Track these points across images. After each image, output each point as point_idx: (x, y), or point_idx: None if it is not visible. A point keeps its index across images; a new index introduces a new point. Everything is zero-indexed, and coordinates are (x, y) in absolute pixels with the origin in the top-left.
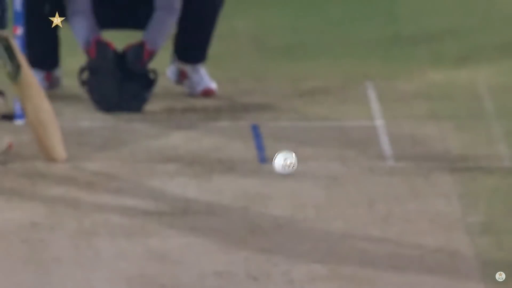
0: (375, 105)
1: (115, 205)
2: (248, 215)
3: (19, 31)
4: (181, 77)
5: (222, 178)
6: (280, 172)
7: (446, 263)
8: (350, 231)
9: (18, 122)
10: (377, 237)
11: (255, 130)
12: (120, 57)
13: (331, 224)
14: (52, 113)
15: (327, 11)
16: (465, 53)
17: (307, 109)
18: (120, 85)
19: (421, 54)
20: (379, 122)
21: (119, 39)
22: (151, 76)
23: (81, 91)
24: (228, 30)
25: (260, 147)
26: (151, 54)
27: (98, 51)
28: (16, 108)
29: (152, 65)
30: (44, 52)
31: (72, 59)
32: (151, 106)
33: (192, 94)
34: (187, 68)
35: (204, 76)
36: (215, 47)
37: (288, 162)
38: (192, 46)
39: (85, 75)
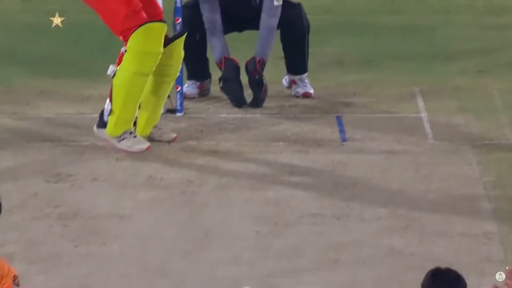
0: (420, 103)
1: (243, 169)
2: (333, 176)
3: (179, 21)
4: (291, 84)
5: (316, 152)
6: None
7: (469, 208)
8: (403, 187)
9: (178, 115)
10: (422, 190)
11: (339, 120)
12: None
13: (390, 183)
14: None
15: (389, 43)
16: (483, 67)
17: (374, 106)
18: (242, 89)
19: (452, 68)
20: (423, 115)
21: (242, 56)
22: (264, 81)
23: (221, 93)
24: (319, 52)
25: (342, 131)
26: (262, 63)
27: (226, 66)
28: (177, 104)
29: (272, 77)
30: (197, 68)
31: (218, 72)
32: (269, 103)
33: (296, 96)
34: (296, 78)
35: (306, 84)
36: (313, 64)
37: None
38: (295, 64)
39: (221, 82)
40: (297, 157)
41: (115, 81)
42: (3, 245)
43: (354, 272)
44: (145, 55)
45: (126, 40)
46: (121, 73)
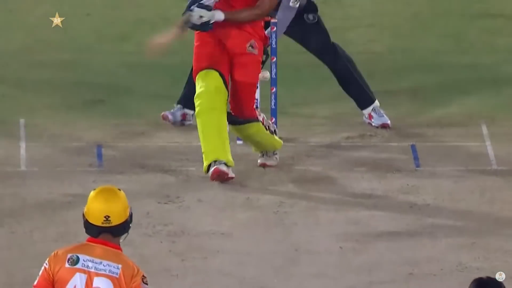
0: (485, 133)
1: (328, 192)
2: (408, 198)
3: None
4: (369, 117)
5: (393, 176)
6: None
7: None
8: (469, 209)
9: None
10: (487, 211)
11: (413, 148)
12: None
13: (458, 204)
14: None
15: (457, 79)
16: None
17: (444, 136)
18: None
19: (509, 101)
20: (488, 143)
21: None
22: None
23: (310, 125)
24: (396, 87)
25: (416, 158)
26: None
27: None
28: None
29: (352, 110)
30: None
31: None
32: (351, 132)
33: (376, 127)
34: (368, 111)
35: (382, 114)
36: (391, 98)
37: None
38: (357, 99)
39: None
40: (376, 181)
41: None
42: None
43: (426, 285)
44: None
45: None
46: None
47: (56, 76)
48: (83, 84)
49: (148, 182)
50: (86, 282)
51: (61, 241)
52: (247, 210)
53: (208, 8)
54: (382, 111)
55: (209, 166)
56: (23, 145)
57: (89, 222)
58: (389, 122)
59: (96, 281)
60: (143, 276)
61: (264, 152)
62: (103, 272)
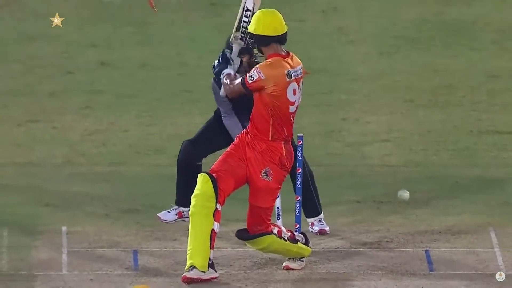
0: (494, 240)
1: None
2: None
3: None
4: (311, 225)
5: (408, 279)
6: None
7: None
8: None
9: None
10: None
11: (427, 253)
12: None
13: None
14: None
15: (469, 191)
16: None
17: (455, 242)
18: None
19: None
20: (497, 250)
21: None
22: None
23: (329, 231)
24: (410, 198)
25: (430, 263)
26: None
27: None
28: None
29: (364, 220)
30: (187, 195)
31: None
32: (369, 239)
33: (313, 233)
34: (311, 220)
35: (321, 223)
36: (406, 207)
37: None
38: (304, 207)
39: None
40: (392, 283)
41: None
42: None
43: None
44: None
45: None
46: None
47: (95, 187)
48: (120, 194)
49: (181, 284)
50: None
51: None
52: None
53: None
54: (324, 222)
55: (190, 267)
56: (65, 250)
57: None
58: (327, 229)
59: None
60: None
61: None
62: None
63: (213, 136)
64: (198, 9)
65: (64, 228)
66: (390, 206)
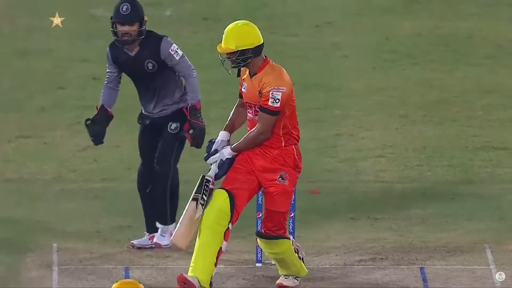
0: (489, 257)
1: None
2: None
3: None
4: (151, 238)
5: None
6: None
7: None
8: None
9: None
10: None
11: (422, 270)
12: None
13: None
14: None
15: (464, 207)
16: None
17: (450, 259)
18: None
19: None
20: (492, 267)
21: None
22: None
23: (324, 248)
24: (406, 214)
25: (424, 280)
26: (200, 106)
27: (100, 112)
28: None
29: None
30: (149, 220)
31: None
32: (363, 256)
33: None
34: (160, 226)
35: (164, 235)
36: (401, 223)
37: None
38: (156, 214)
39: (89, 121)
40: None
41: None
42: None
43: None
44: None
45: None
46: None
47: (86, 203)
48: (111, 210)
49: None
50: None
51: None
52: None
53: (215, 152)
54: (168, 235)
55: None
56: (55, 267)
57: None
58: (163, 243)
59: None
60: None
61: (288, 275)
62: None
63: (153, 142)
64: (190, 24)
65: (55, 245)
66: (385, 223)
